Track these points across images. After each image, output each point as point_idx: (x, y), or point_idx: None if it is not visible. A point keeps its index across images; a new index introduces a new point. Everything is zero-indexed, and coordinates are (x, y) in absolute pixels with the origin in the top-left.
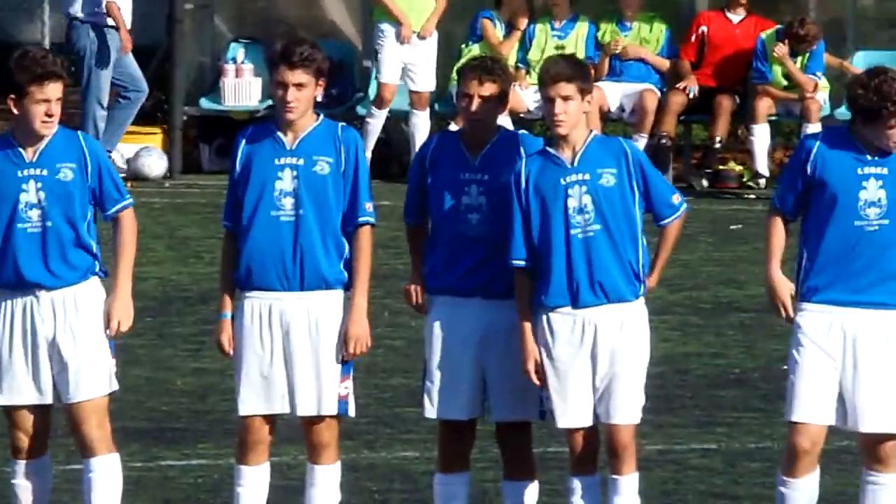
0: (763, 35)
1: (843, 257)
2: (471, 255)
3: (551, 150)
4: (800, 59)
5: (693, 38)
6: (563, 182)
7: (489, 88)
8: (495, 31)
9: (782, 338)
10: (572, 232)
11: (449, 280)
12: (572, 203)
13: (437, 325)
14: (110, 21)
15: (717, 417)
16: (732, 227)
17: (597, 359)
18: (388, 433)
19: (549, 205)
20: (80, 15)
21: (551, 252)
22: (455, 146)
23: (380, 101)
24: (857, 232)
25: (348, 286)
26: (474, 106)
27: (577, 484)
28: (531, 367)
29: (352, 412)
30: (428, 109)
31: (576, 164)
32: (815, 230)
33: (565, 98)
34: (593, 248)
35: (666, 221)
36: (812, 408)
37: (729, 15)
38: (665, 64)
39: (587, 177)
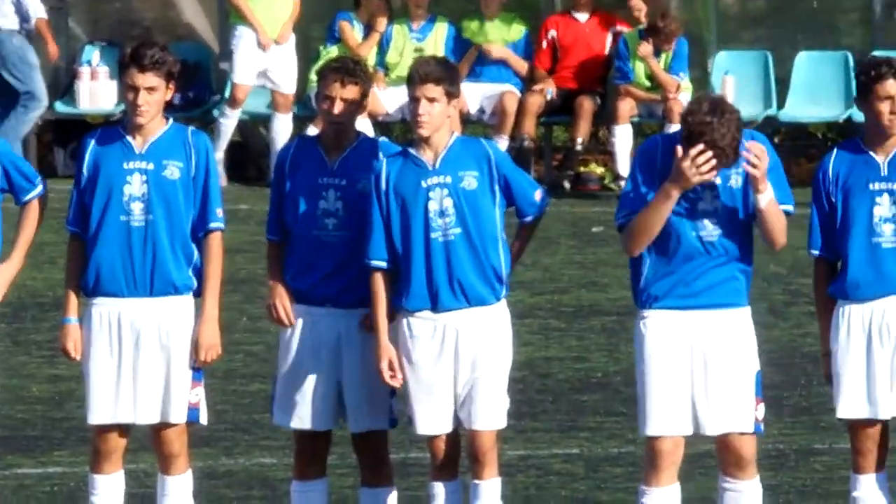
0: (625, 34)
1: (681, 265)
2: (327, 261)
3: (412, 152)
4: (663, 58)
5: (544, 43)
6: (423, 184)
7: (351, 91)
8: (354, 32)
9: None
10: (432, 235)
11: (304, 286)
12: (433, 206)
13: (289, 333)
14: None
15: (579, 422)
16: (594, 229)
17: (458, 363)
18: (246, 440)
19: (410, 207)
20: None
21: (411, 255)
22: (313, 150)
23: (233, 102)
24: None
25: (198, 292)
26: (337, 108)
27: (438, 490)
28: (384, 366)
29: (203, 420)
30: (291, 113)
31: (437, 166)
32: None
33: (431, 100)
34: (453, 252)
35: (529, 219)
36: (667, 419)
37: (575, 15)
38: (524, 65)
39: (448, 179)
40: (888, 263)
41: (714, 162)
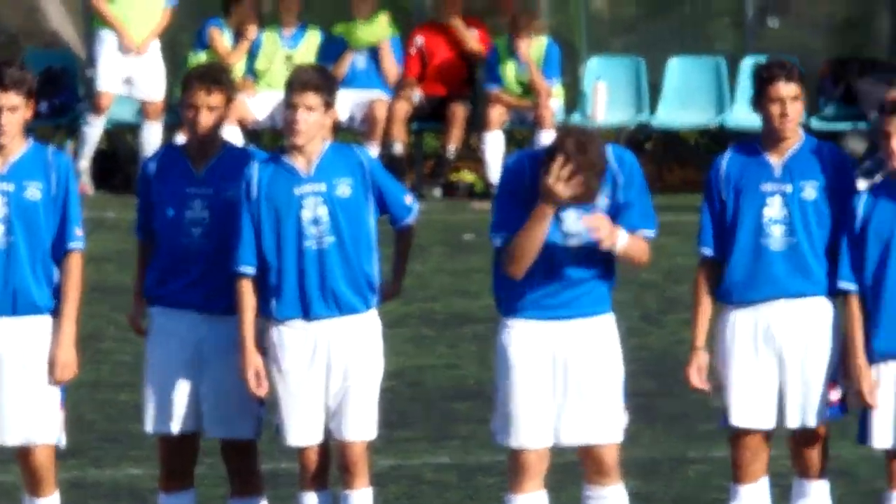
0: (497, 41)
1: (544, 275)
2: (192, 269)
3: (285, 159)
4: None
5: (413, 51)
6: (297, 192)
7: (216, 99)
8: (223, 39)
9: None
10: (306, 244)
11: (167, 292)
12: (307, 214)
13: (153, 338)
14: None
15: (450, 431)
16: (465, 237)
17: (330, 373)
18: (115, 450)
19: (283, 215)
20: None
21: (283, 263)
22: (179, 159)
23: (97, 109)
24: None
25: (57, 312)
26: (202, 117)
27: (308, 500)
28: (251, 375)
29: (63, 442)
30: (160, 121)
31: (311, 174)
32: None
33: (309, 108)
34: (327, 260)
35: (404, 223)
36: (529, 431)
37: (444, 23)
38: (395, 71)
39: (323, 187)
40: (775, 266)
41: (579, 178)
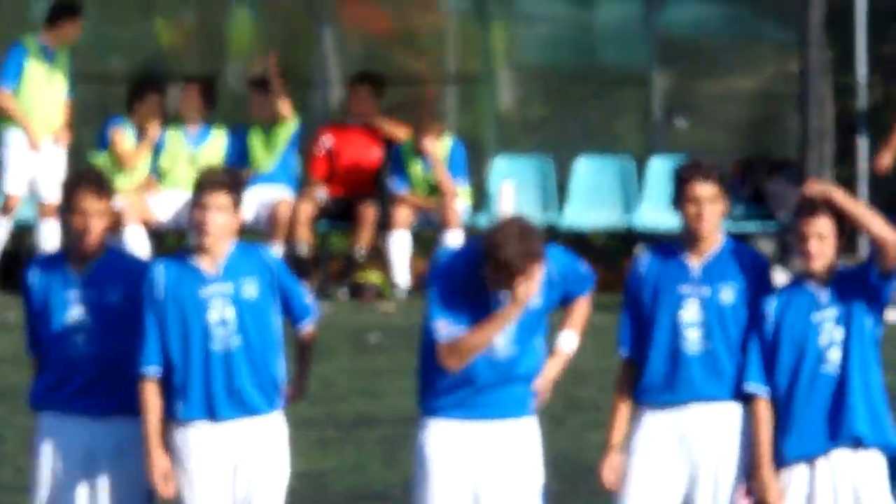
0: (402, 143)
1: (469, 376)
2: (78, 376)
3: (190, 260)
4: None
5: (320, 151)
6: (203, 294)
7: (105, 204)
8: (126, 137)
9: None
10: (212, 345)
11: (55, 400)
12: (213, 316)
13: (43, 444)
14: None
15: None
16: (371, 338)
17: (236, 475)
18: None
19: (189, 316)
20: None
21: (189, 365)
22: (60, 265)
23: (5, 210)
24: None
25: None
26: (94, 223)
27: None
28: (159, 477)
29: None
30: (57, 220)
31: (218, 274)
32: None
33: (219, 208)
34: (233, 362)
35: (306, 324)
36: None
37: (351, 124)
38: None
39: (230, 288)
40: (691, 369)
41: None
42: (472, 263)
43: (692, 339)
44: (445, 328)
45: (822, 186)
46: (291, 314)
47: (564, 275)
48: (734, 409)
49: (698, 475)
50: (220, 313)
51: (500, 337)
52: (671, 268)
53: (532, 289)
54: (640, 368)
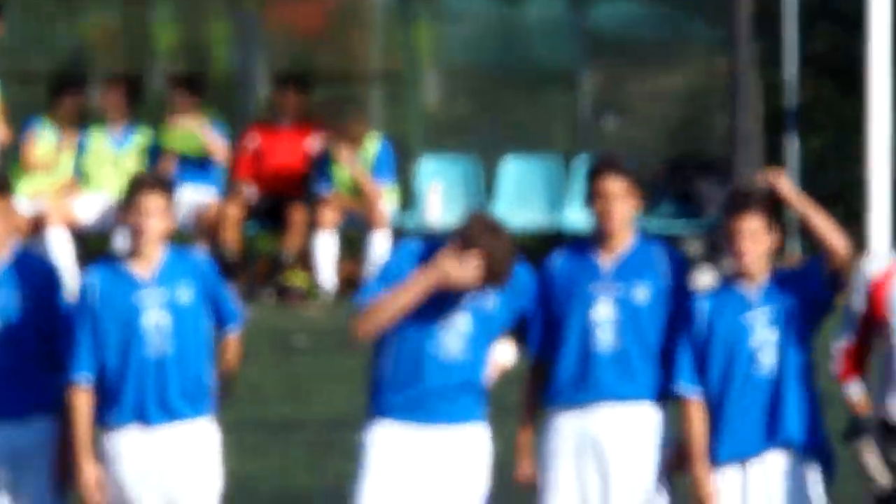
0: (328, 143)
1: (419, 378)
2: None
3: (123, 265)
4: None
5: (246, 151)
6: (138, 299)
7: (7, 204)
8: (37, 142)
9: (349, 456)
10: (144, 351)
11: None
12: (148, 321)
13: None
14: None
15: None
16: (297, 341)
17: (166, 480)
18: None
19: (122, 322)
20: None
21: (122, 370)
22: None
23: None
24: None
25: None
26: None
27: None
28: (90, 484)
29: None
30: None
31: (153, 280)
32: None
33: (153, 211)
34: (165, 367)
35: (231, 331)
36: None
37: (277, 124)
38: (222, 149)
39: (165, 294)
40: (602, 369)
41: (481, 270)
42: (426, 259)
43: (603, 338)
44: (367, 295)
45: (776, 177)
46: (219, 319)
47: (525, 292)
48: (648, 411)
49: (610, 477)
50: (154, 319)
51: (453, 339)
52: (582, 266)
53: (463, 270)
54: (551, 369)
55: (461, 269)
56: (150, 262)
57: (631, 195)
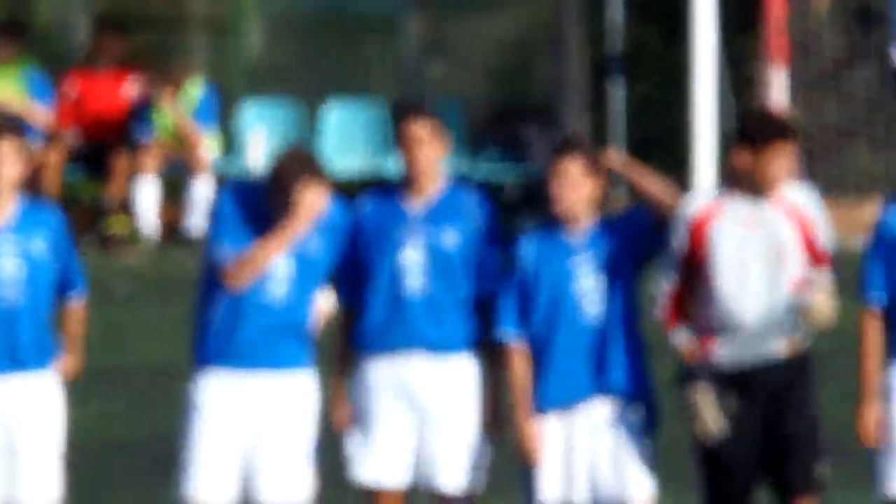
0: (149, 88)
1: (242, 323)
2: None
3: None
4: (181, 107)
5: (66, 97)
6: None
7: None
8: None
9: (172, 405)
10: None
11: None
12: (2, 270)
13: None
14: None
15: (101, 494)
16: (118, 288)
17: (7, 430)
18: None
19: None
20: None
21: None
22: None
23: None
24: None
25: None
26: None
27: None
28: None
29: None
30: None
31: (9, 227)
32: None
33: (8, 157)
34: (17, 317)
35: (76, 296)
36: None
37: (96, 68)
38: (40, 115)
39: (20, 242)
40: (411, 314)
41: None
42: (256, 198)
43: (412, 283)
44: (230, 253)
45: (606, 154)
46: (63, 282)
47: (344, 234)
48: (465, 364)
49: (430, 430)
50: (7, 268)
51: (276, 283)
52: (390, 211)
53: (315, 207)
54: (360, 313)
55: (320, 198)
56: (3, 210)
57: (436, 139)
